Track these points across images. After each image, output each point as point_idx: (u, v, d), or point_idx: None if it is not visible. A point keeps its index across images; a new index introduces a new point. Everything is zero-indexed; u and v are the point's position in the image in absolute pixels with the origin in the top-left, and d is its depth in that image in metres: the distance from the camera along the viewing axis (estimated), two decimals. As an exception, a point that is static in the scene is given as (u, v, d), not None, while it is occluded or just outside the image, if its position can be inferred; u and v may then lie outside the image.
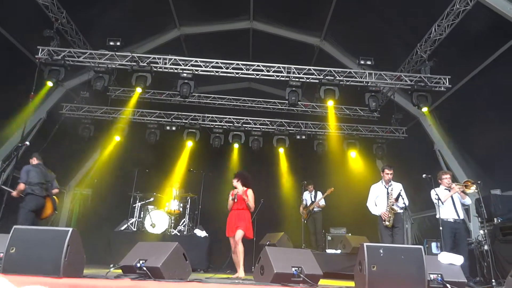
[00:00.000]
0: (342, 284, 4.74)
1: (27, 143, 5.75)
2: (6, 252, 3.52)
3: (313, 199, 9.17)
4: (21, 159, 6.88)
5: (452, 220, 5.95)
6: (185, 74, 8.40)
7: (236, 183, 6.04)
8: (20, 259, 3.46)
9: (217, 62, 8.37)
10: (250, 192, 5.97)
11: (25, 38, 7.80)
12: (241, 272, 5.64)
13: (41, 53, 7.84)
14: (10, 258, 3.49)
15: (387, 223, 6.10)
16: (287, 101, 8.96)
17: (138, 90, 8.43)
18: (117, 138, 10.49)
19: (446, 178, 6.21)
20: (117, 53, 8.15)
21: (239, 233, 5.67)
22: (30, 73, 7.73)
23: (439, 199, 5.86)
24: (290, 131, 10.88)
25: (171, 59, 8.31)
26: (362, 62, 8.33)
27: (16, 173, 7.97)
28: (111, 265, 4.32)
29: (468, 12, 6.81)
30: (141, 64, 8.15)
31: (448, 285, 4.01)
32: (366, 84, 8.48)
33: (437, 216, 6.02)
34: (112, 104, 10.60)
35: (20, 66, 7.99)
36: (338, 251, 8.19)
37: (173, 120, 10.64)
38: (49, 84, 7.96)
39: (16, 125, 8.30)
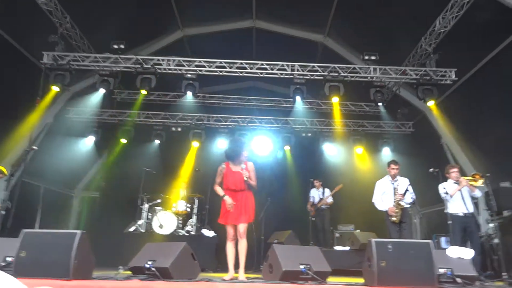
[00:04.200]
0: (351, 281, 4.73)
1: (35, 147, 5.81)
2: (17, 256, 3.57)
3: (321, 196, 9.15)
4: (29, 164, 6.95)
5: (461, 214, 5.90)
6: (189, 75, 8.45)
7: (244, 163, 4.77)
8: (30, 263, 3.51)
9: (220, 62, 8.38)
10: (253, 166, 4.82)
11: (30, 43, 7.88)
12: (241, 274, 4.67)
13: (46, 58, 7.91)
14: (20, 261, 3.54)
15: (394, 218, 6.07)
16: (291, 99, 8.97)
17: (143, 92, 8.49)
18: (123, 141, 10.56)
19: (454, 172, 6.17)
20: (121, 56, 8.20)
21: (242, 228, 4.68)
22: (36, 79, 7.80)
23: (447, 193, 5.82)
24: (295, 129, 10.86)
25: (175, 60, 8.34)
26: (366, 57, 8.31)
27: (25, 177, 8.06)
28: (120, 267, 4.36)
29: (473, 3, 6.75)
30: (145, 66, 8.18)
31: (458, 279, 3.98)
32: (370, 79, 8.43)
33: (446, 211, 5.98)
34: (118, 107, 10.68)
35: (26, 71, 8.07)
36: (347, 248, 8.18)
37: (179, 121, 10.68)
38: (55, 88, 8.04)
39: (24, 130, 8.39)
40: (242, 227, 4.71)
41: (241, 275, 4.67)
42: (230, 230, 4.83)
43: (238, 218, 4.73)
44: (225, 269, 7.27)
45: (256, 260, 7.42)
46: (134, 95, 10.53)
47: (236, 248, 4.80)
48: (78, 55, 8.18)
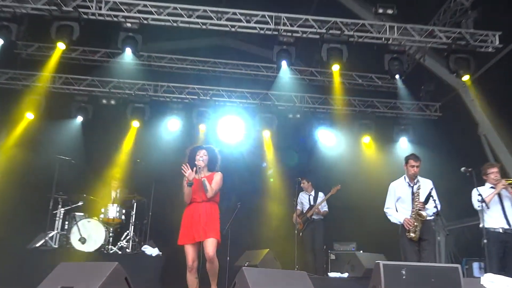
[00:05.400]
0: (350, 319, 4.81)
1: None
2: None
3: (312, 203, 9.23)
4: None
5: (501, 231, 6.07)
6: (129, 24, 8.29)
7: (201, 158, 5.52)
8: None
9: (175, 8, 8.27)
10: (218, 176, 5.57)
11: None
12: None
13: None
14: None
15: (412, 234, 6.18)
16: (275, 65, 8.94)
17: (61, 46, 8.27)
18: (29, 116, 10.31)
19: (492, 173, 6.32)
20: (28, -9, 7.96)
21: (212, 244, 5.26)
22: None
23: (483, 201, 5.97)
24: (279, 107, 10.90)
25: (109, 1, 8.15)
26: (380, 11, 8.39)
27: None
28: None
29: None
30: (64, 8, 7.96)
31: (494, 318, 4.11)
32: (385, 41, 8.53)
33: (481, 225, 6.14)
34: (23, 67, 10.43)
35: None
36: (345, 275, 8.30)
37: (112, 90, 10.54)
38: None
39: None
40: (211, 244, 5.23)
41: None
42: (189, 253, 5.30)
43: (203, 232, 5.25)
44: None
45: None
46: (47, 50, 10.22)
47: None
48: (-37, -12, 7.87)
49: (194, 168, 5.37)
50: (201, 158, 5.50)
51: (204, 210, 5.39)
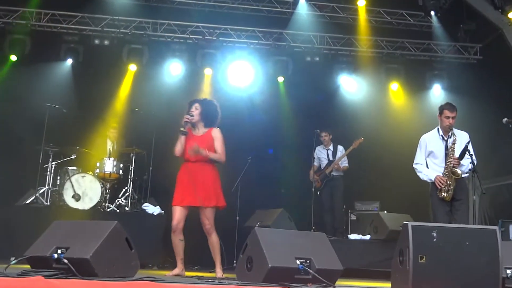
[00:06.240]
0: (373, 285, 4.91)
1: None
2: None
3: (331, 158, 9.26)
4: None
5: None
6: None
7: (191, 114, 5.59)
8: None
9: None
10: (218, 134, 5.65)
11: None
12: (218, 271, 5.71)
13: None
14: None
15: (444, 194, 6.20)
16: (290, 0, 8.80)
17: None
18: (13, 58, 10.22)
19: (537, 125, 6.30)
20: None
21: (209, 213, 5.55)
22: None
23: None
24: (295, 49, 10.77)
25: None
26: None
27: None
28: (12, 258, 4.37)
29: None
30: None
31: (532, 285, 4.17)
32: (420, -29, 8.35)
33: None
34: (2, 2, 10.23)
35: None
36: (367, 237, 8.43)
37: (105, 29, 10.41)
38: None
39: None
40: (208, 215, 5.52)
41: (219, 272, 5.67)
42: (176, 214, 5.56)
43: (199, 197, 5.46)
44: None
45: (228, 252, 7.59)
46: (30, -18, 10.10)
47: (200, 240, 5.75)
48: None
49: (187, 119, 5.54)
50: (192, 113, 5.58)
51: (200, 171, 5.54)
